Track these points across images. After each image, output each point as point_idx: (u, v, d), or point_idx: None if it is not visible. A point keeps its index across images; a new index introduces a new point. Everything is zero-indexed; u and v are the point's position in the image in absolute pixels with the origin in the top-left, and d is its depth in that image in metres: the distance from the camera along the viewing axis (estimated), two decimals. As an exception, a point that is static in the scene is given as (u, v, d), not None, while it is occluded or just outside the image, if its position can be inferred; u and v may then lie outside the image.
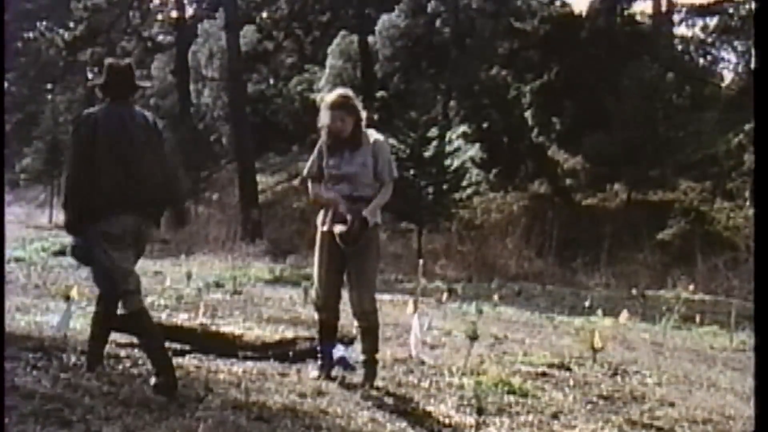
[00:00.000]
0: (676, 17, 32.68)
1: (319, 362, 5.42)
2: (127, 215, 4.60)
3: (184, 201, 5.35)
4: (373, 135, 5.34)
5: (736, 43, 31.09)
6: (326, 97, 5.46)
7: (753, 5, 25.87)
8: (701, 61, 31.77)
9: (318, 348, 5.49)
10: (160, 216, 4.87)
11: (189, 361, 5.47)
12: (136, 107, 4.93)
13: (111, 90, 4.84)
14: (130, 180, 4.61)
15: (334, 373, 5.41)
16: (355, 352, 5.96)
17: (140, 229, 4.70)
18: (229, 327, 6.77)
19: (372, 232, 5.25)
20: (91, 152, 4.60)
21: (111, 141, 4.62)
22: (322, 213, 5.37)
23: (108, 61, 4.96)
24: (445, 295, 12.45)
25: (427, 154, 21.20)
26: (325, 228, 5.29)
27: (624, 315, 11.11)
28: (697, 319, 12.79)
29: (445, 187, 21.58)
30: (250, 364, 5.62)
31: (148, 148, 4.72)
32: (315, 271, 5.36)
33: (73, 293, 6.09)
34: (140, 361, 5.09)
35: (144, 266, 16.53)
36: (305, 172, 5.48)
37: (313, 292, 5.53)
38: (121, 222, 4.59)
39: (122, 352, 5.29)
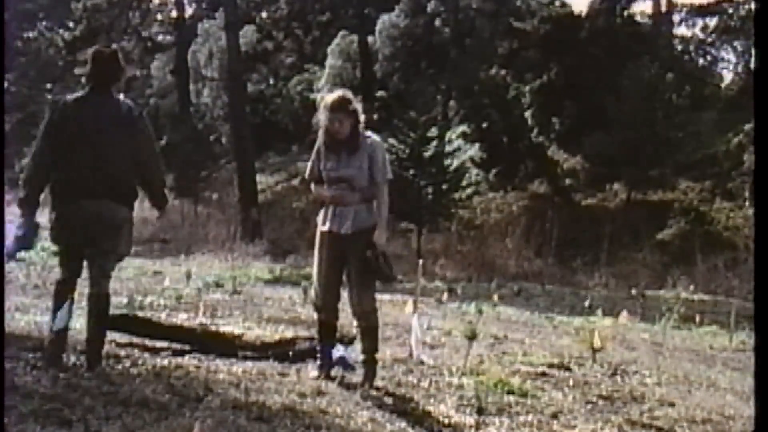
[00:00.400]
0: (675, 17, 32.70)
1: (319, 362, 5.42)
2: (90, 200, 4.70)
3: (159, 185, 5.41)
4: (370, 136, 5.34)
5: (735, 43, 31.11)
6: (326, 97, 5.46)
7: (753, 5, 25.87)
8: (701, 61, 31.78)
9: (317, 348, 5.49)
10: (132, 201, 4.94)
11: (189, 361, 5.46)
12: (120, 96, 4.93)
13: (93, 77, 4.86)
14: (95, 166, 4.69)
15: (333, 373, 5.41)
16: (355, 352, 5.96)
17: (106, 214, 4.76)
18: (228, 327, 6.76)
19: (371, 233, 5.26)
20: (58, 136, 4.73)
21: (78, 127, 4.72)
22: (322, 212, 5.37)
23: (94, 48, 4.97)
24: (444, 295, 12.45)
25: (426, 154, 21.20)
26: (326, 228, 5.29)
27: (624, 315, 11.12)
28: (697, 319, 12.80)
29: (444, 187, 21.58)
30: (249, 364, 5.61)
31: (118, 135, 4.76)
32: (314, 270, 5.36)
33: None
34: (140, 361, 5.09)
35: (144, 266, 16.56)
36: (306, 175, 5.49)
37: (312, 292, 5.52)
38: (83, 207, 4.70)
39: (122, 352, 5.29)
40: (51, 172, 4.77)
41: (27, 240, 4.85)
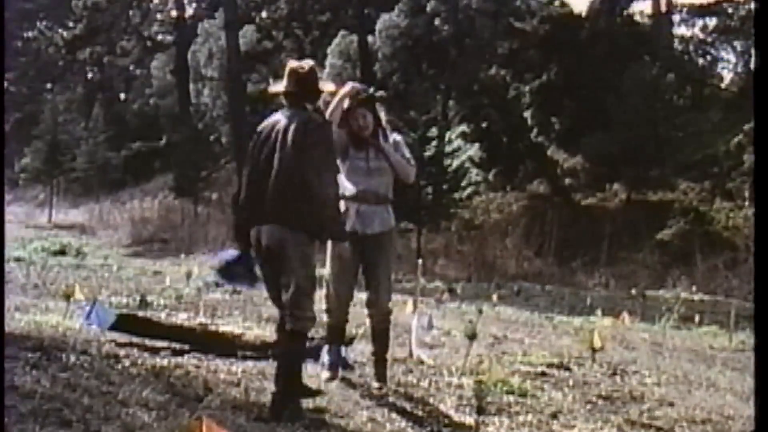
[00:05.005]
0: (675, 17, 32.72)
1: (330, 363, 5.38)
2: (269, 226, 4.38)
3: (325, 216, 4.36)
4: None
5: (735, 43, 31.12)
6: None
7: (753, 5, 25.88)
8: (701, 61, 31.79)
9: (327, 349, 5.47)
10: (314, 228, 4.39)
11: (189, 361, 5.46)
12: (314, 113, 4.56)
13: (289, 96, 4.57)
14: (266, 189, 4.38)
15: (341, 373, 5.42)
16: (354, 352, 5.97)
17: (284, 241, 4.33)
18: (228, 326, 6.76)
19: (389, 234, 5.29)
20: (250, 162, 4.57)
21: (257, 150, 4.53)
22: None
23: (291, 65, 4.62)
24: (445, 295, 12.46)
25: (427, 154, 21.22)
26: (347, 228, 5.25)
27: (626, 317, 11.13)
28: (697, 319, 12.82)
29: (444, 187, 21.61)
30: (249, 363, 5.60)
31: (296, 154, 4.36)
32: (330, 272, 5.30)
33: (77, 292, 6.10)
34: (140, 361, 5.09)
35: (144, 266, 16.56)
36: None
37: (323, 294, 5.47)
38: (264, 233, 4.39)
39: (122, 352, 5.29)
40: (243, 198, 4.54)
41: (234, 269, 4.54)
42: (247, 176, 4.56)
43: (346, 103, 5.27)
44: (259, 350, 5.96)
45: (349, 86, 5.36)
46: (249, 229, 4.46)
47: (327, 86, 4.69)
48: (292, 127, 4.43)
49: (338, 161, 5.23)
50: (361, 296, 5.41)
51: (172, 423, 3.78)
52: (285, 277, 4.37)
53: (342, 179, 5.22)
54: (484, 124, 26.20)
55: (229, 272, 4.63)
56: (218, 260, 4.68)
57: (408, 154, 5.42)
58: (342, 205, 5.17)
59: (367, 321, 5.48)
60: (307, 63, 4.64)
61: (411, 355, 6.44)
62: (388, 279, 5.34)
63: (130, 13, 39.19)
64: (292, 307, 4.35)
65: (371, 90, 5.52)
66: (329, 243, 4.88)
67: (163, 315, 7.61)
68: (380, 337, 5.36)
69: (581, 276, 19.79)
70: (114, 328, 6.11)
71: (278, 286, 4.43)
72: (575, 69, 25.11)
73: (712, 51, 31.96)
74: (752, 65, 26.37)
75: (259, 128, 4.63)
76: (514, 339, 8.82)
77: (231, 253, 4.60)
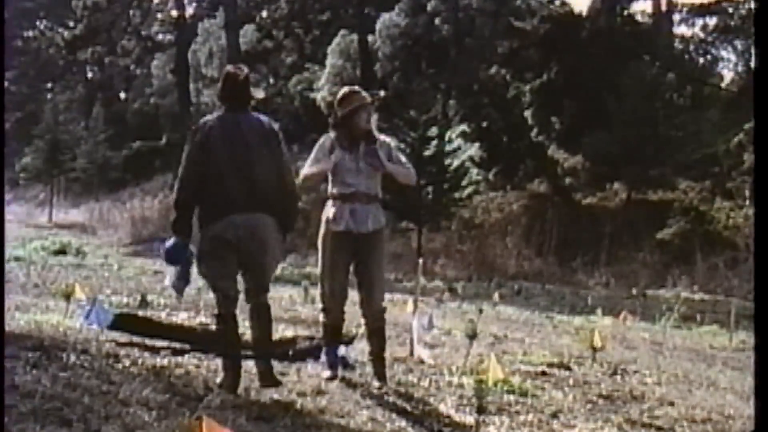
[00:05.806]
0: (676, 17, 32.74)
1: (329, 362, 5.39)
2: (239, 215, 4.63)
3: (292, 207, 5.23)
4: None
5: (735, 42, 31.13)
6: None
7: (753, 5, 25.88)
8: (701, 60, 31.79)
9: (325, 349, 5.47)
10: (282, 217, 4.80)
11: (189, 361, 5.46)
12: (255, 113, 4.87)
13: (229, 98, 4.84)
14: (243, 182, 4.64)
15: (340, 372, 5.41)
16: (354, 352, 5.97)
17: (259, 226, 4.66)
18: (228, 326, 6.73)
19: (381, 232, 5.29)
20: (203, 157, 4.68)
21: (223, 145, 4.68)
22: (331, 212, 5.32)
23: (226, 69, 4.94)
24: (445, 294, 12.45)
25: (426, 153, 21.21)
26: (341, 228, 5.25)
27: (627, 316, 11.13)
28: (697, 318, 12.82)
29: (445, 186, 21.59)
30: (250, 363, 5.61)
31: (262, 151, 4.72)
32: (325, 271, 5.31)
33: (78, 291, 6.09)
34: (140, 360, 5.09)
35: (144, 265, 16.54)
36: None
37: (320, 294, 5.47)
38: (232, 223, 4.63)
39: (122, 351, 5.28)
40: (199, 193, 4.69)
41: (175, 254, 4.79)
42: (218, 168, 4.67)
43: (351, 106, 5.34)
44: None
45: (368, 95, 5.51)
46: (191, 218, 4.73)
47: (258, 94, 4.97)
48: (269, 127, 4.82)
49: (329, 161, 5.28)
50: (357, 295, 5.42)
51: (172, 423, 3.77)
52: (256, 264, 4.75)
53: (332, 179, 5.34)
54: (484, 124, 26.20)
55: (172, 257, 4.86)
56: (163, 248, 4.89)
57: (403, 158, 5.47)
58: (333, 204, 5.24)
59: (362, 320, 5.48)
60: (243, 70, 4.92)
61: (411, 354, 6.44)
62: (381, 277, 5.34)
63: (130, 12, 39.22)
64: (263, 290, 4.86)
65: (381, 93, 5.65)
66: (319, 241, 5.31)
67: (163, 315, 7.61)
68: (376, 336, 5.36)
69: (581, 275, 19.79)
70: (114, 327, 6.11)
71: (234, 273, 4.85)
72: (575, 69, 25.11)
73: (712, 50, 31.98)
74: (752, 65, 26.37)
75: (209, 124, 4.81)
76: (515, 338, 8.82)
77: (171, 240, 4.81)
